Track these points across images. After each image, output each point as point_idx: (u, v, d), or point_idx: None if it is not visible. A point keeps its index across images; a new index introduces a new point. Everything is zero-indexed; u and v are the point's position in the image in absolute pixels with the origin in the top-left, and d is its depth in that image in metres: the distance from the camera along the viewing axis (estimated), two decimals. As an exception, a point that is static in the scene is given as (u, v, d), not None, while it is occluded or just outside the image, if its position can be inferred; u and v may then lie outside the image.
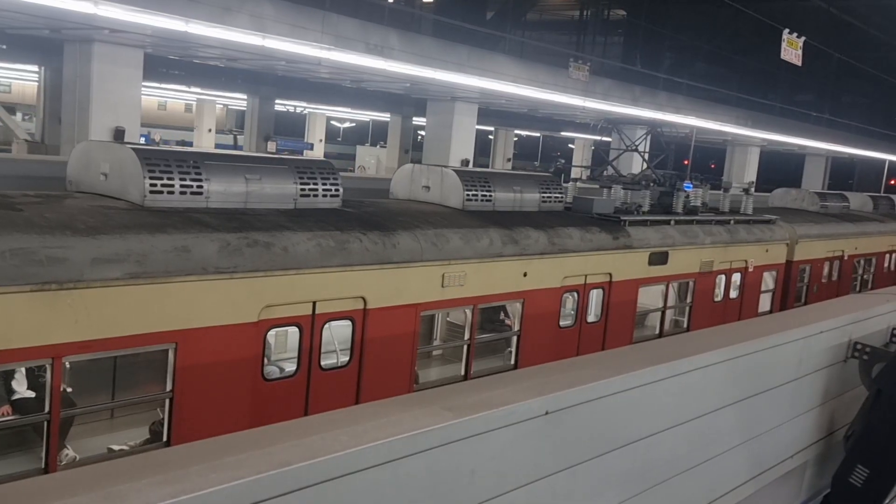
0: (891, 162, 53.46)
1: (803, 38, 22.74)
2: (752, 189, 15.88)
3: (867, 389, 6.29)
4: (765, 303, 15.04)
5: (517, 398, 3.63)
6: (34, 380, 6.74)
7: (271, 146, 35.23)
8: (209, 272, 6.47)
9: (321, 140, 47.17)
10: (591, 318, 10.91)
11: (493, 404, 3.50)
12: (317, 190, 8.28)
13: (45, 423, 5.88)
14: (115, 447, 6.81)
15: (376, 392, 7.82)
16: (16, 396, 6.73)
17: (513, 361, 9.77)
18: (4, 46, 24.08)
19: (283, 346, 7.96)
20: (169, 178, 7.10)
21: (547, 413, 3.70)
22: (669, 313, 12.77)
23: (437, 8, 33.00)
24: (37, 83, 27.42)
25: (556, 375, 4.09)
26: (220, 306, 6.57)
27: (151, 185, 6.99)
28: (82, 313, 5.77)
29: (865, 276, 19.18)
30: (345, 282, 7.56)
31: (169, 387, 6.41)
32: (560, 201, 11.42)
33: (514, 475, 3.67)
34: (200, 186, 7.29)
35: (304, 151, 41.26)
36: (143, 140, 27.81)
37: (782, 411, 5.91)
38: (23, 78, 36.16)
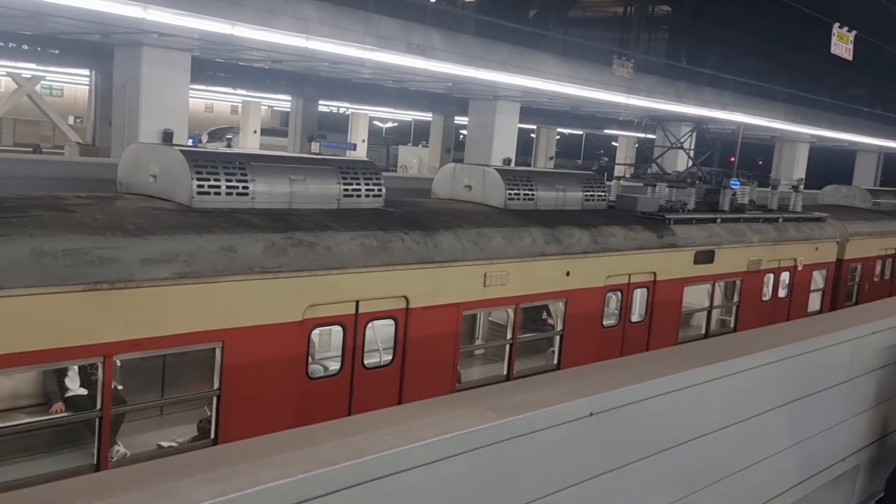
0: (946, 157, 52.00)
1: (854, 32, 22.23)
2: (801, 186, 15.58)
3: (922, 391, 6.14)
4: (814, 302, 14.79)
5: (561, 399, 3.60)
6: (86, 377, 6.90)
7: (315, 146, 35.52)
8: (255, 272, 6.55)
9: (364, 140, 47.43)
10: (635, 317, 10.83)
11: (536, 405, 3.49)
12: (360, 190, 8.35)
13: (97, 420, 6.01)
14: (164, 444, 6.93)
15: (419, 391, 7.85)
16: (69, 394, 6.90)
17: (555, 361, 9.73)
18: (57, 51, 24.64)
19: (327, 344, 8.00)
20: (216, 180, 7.23)
21: (591, 414, 3.67)
22: (716, 313, 12.60)
23: (479, 7, 32.94)
24: (88, 87, 28.01)
25: (601, 376, 4.05)
26: (265, 305, 6.66)
27: (199, 186, 7.11)
28: (132, 312, 5.88)
29: None
30: (387, 281, 7.61)
31: (216, 385, 6.50)
32: (603, 200, 11.36)
33: (559, 477, 3.65)
34: (246, 187, 7.40)
35: (347, 152, 41.50)
36: (190, 142, 28.27)
37: (834, 413, 5.79)
38: (74, 82, 36.97)
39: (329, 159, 8.87)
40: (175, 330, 6.13)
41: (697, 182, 13.51)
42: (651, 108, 27.58)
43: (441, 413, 3.27)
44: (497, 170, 10.27)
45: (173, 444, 6.94)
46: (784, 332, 5.74)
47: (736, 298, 12.68)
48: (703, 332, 12.15)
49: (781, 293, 13.67)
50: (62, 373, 6.87)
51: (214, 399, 6.54)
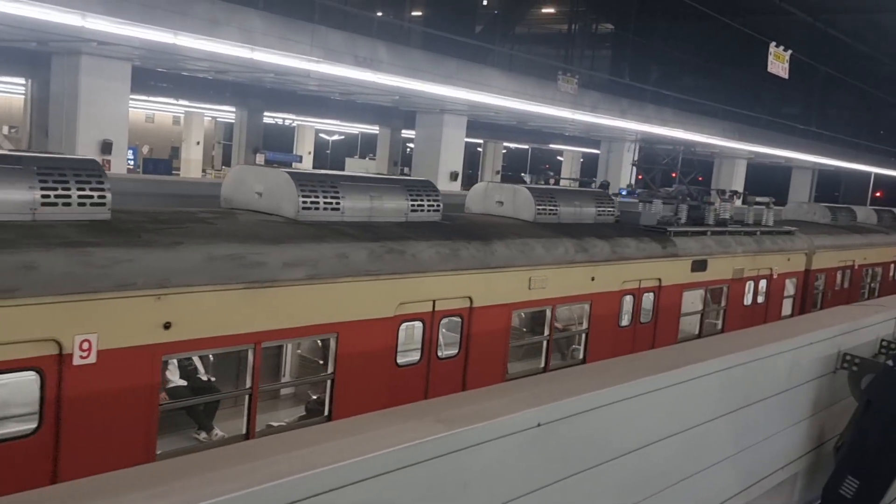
0: (876, 174, 53.81)
1: (790, 52, 22.94)
2: (772, 203, 16.63)
3: (856, 400, 6.29)
4: (786, 307, 15.98)
5: (509, 410, 3.60)
6: (184, 370, 7.85)
7: (259, 158, 35.16)
8: (361, 274, 7.72)
9: (310, 152, 47.18)
10: (644, 318, 11.88)
11: (485, 416, 3.48)
12: (423, 206, 9.53)
13: (247, 397, 7.13)
14: (275, 424, 7.90)
15: (478, 380, 8.99)
16: (170, 385, 7.59)
17: (581, 357, 10.81)
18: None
19: (411, 337, 8.87)
20: (315, 197, 8.39)
21: (539, 425, 3.68)
22: (707, 316, 13.68)
23: (426, 21, 33.08)
24: (23, 96, 27.30)
25: (549, 387, 4.07)
26: (368, 303, 7.83)
27: (303, 202, 8.24)
28: (275, 307, 7.00)
29: (873, 285, 20.04)
30: (456, 283, 8.81)
31: (331, 369, 7.65)
32: (612, 215, 12.42)
33: (507, 487, 3.64)
34: (338, 203, 8.55)
35: (293, 164, 41.16)
36: (130, 153, 27.74)
37: (773, 422, 5.91)
38: (9, 91, 35.97)
39: (398, 179, 10.16)
40: (305, 322, 7.28)
41: (686, 199, 14.56)
42: (595, 124, 27.95)
43: (392, 425, 3.24)
44: (527, 188, 11.49)
45: (283, 423, 7.93)
46: (728, 343, 5.84)
47: (724, 303, 13.86)
48: (697, 332, 13.24)
49: (760, 299, 14.84)
50: (164, 365, 7.38)
51: (329, 382, 7.65)
